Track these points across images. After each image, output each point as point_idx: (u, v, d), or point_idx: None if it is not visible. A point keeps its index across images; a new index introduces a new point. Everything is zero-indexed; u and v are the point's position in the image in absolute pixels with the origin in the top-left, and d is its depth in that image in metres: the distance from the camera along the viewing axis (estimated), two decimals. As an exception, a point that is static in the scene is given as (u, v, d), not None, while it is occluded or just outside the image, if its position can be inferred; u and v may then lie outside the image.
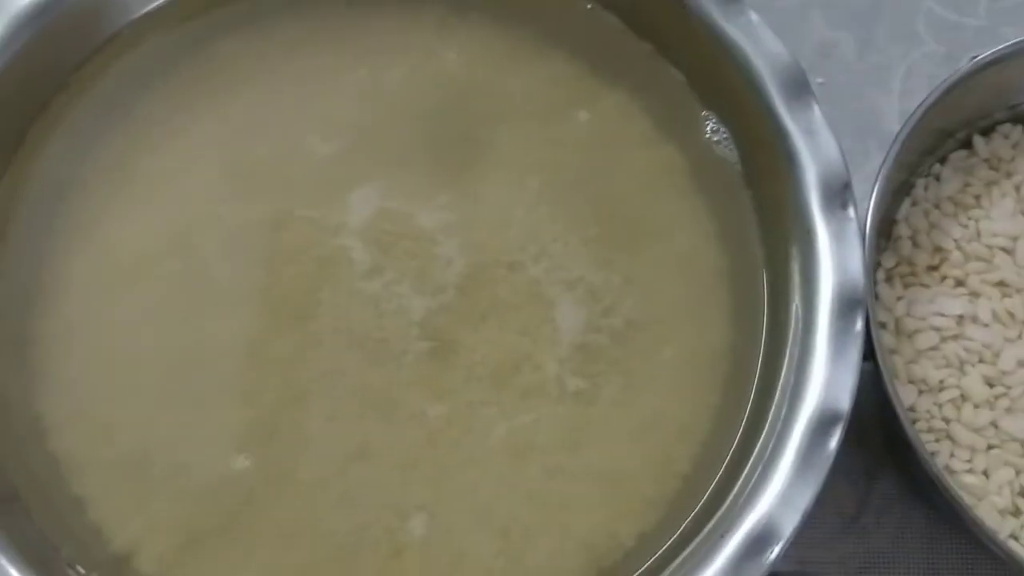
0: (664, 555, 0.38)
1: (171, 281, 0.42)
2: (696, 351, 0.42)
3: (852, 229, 0.39)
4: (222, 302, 0.42)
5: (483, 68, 0.45)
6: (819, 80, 0.55)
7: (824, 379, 0.38)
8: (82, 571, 0.38)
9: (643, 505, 0.40)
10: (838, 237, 0.39)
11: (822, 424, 0.37)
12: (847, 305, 0.38)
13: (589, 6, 0.46)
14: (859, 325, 0.38)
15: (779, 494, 0.36)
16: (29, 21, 0.42)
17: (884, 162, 0.43)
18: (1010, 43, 0.46)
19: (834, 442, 0.36)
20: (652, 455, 0.41)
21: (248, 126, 0.44)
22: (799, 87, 0.41)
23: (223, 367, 0.41)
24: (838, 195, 0.40)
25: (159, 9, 0.45)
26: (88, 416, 0.40)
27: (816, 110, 0.41)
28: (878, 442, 0.48)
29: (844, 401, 0.37)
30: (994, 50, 0.46)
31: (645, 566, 0.38)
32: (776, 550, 0.35)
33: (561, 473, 0.40)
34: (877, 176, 0.43)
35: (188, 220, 0.43)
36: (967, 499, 0.43)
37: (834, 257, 0.39)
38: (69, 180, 0.43)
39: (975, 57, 0.46)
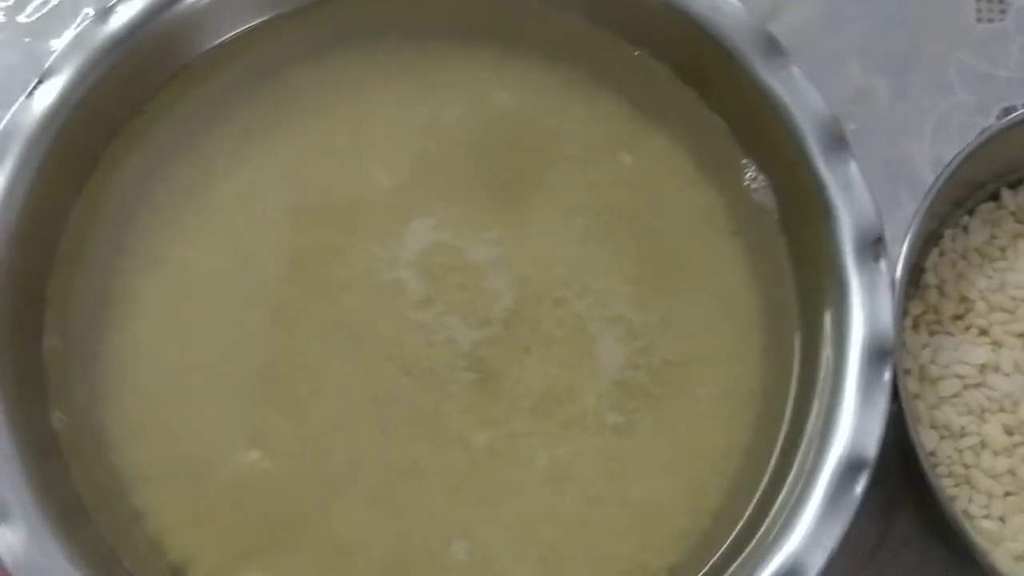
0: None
1: (236, 303, 0.44)
2: (729, 390, 0.44)
3: (884, 282, 0.41)
4: (283, 324, 0.44)
5: (535, 108, 0.47)
6: (852, 126, 0.57)
7: (852, 426, 0.39)
8: (141, 581, 0.40)
9: (675, 537, 0.42)
10: (870, 289, 0.41)
11: (849, 469, 0.39)
12: (876, 355, 0.40)
13: (636, 52, 0.47)
14: (887, 376, 0.40)
15: (806, 535, 0.38)
16: (107, 52, 0.44)
17: (917, 213, 0.45)
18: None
19: (860, 487, 0.38)
20: (685, 489, 0.43)
21: (313, 156, 0.46)
22: (837, 141, 0.43)
23: (281, 387, 0.43)
24: (871, 248, 0.42)
25: (229, 42, 0.47)
26: (150, 430, 0.42)
27: (852, 164, 0.43)
28: (899, 481, 0.50)
29: (871, 448, 0.39)
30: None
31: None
32: (802, 590, 0.37)
33: (598, 503, 0.42)
34: (910, 225, 0.45)
35: (253, 245, 0.45)
36: (983, 544, 0.45)
37: (865, 308, 0.41)
38: (141, 203, 0.45)
39: (1006, 108, 0.48)
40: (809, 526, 0.38)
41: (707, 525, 0.42)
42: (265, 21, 0.47)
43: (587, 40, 0.48)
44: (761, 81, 0.44)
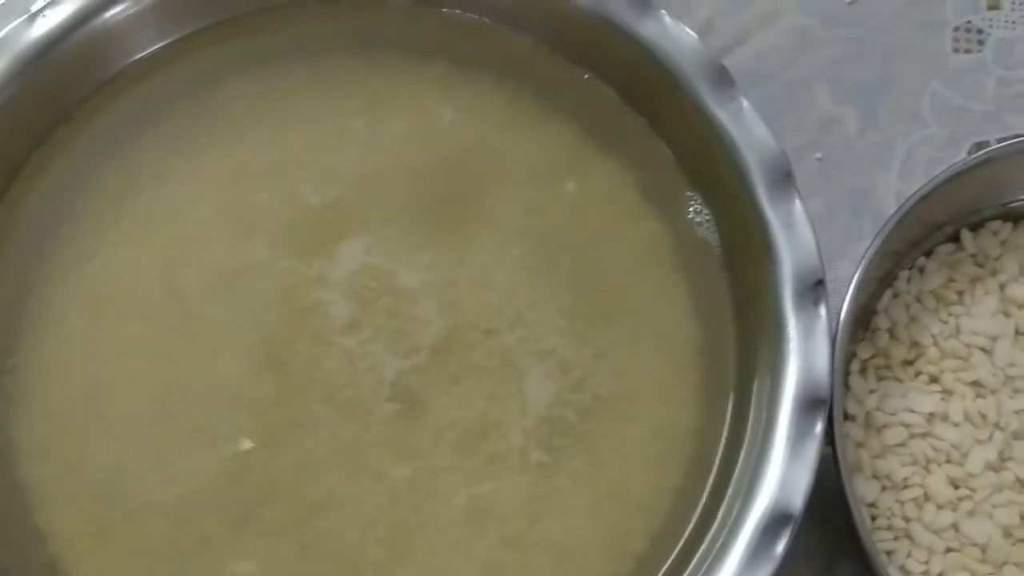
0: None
1: (156, 319, 0.43)
2: (662, 430, 0.43)
3: (822, 327, 0.40)
4: (204, 343, 0.43)
5: (479, 128, 0.46)
6: (817, 155, 0.55)
7: (779, 478, 0.38)
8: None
9: (595, 582, 0.40)
10: (807, 334, 0.40)
11: (773, 523, 0.37)
12: (809, 404, 0.39)
13: (586, 76, 0.46)
14: (819, 427, 0.38)
15: (722, 590, 0.37)
16: (35, 56, 0.42)
17: (866, 253, 0.43)
18: (1008, 143, 0.47)
19: (783, 544, 0.37)
20: (609, 531, 0.41)
21: (244, 170, 0.45)
22: (782, 178, 0.41)
23: (199, 408, 0.42)
24: (811, 291, 0.40)
25: (166, 49, 0.45)
26: (59, 449, 0.41)
27: (797, 203, 0.41)
28: (840, 525, 0.48)
29: (797, 503, 0.37)
30: (988, 150, 0.46)
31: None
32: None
33: (518, 544, 0.41)
34: (858, 265, 0.43)
35: (177, 260, 0.43)
36: (916, 602, 0.43)
37: (801, 354, 0.40)
38: (64, 211, 0.44)
39: (978, 143, 0.46)
40: (727, 580, 0.37)
41: (630, 569, 0.40)
42: (203, 29, 0.46)
43: (536, 61, 0.47)
44: (708, 112, 0.43)
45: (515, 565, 0.41)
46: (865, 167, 0.56)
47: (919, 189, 0.45)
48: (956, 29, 0.58)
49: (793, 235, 0.41)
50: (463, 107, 0.46)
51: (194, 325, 0.42)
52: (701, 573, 0.38)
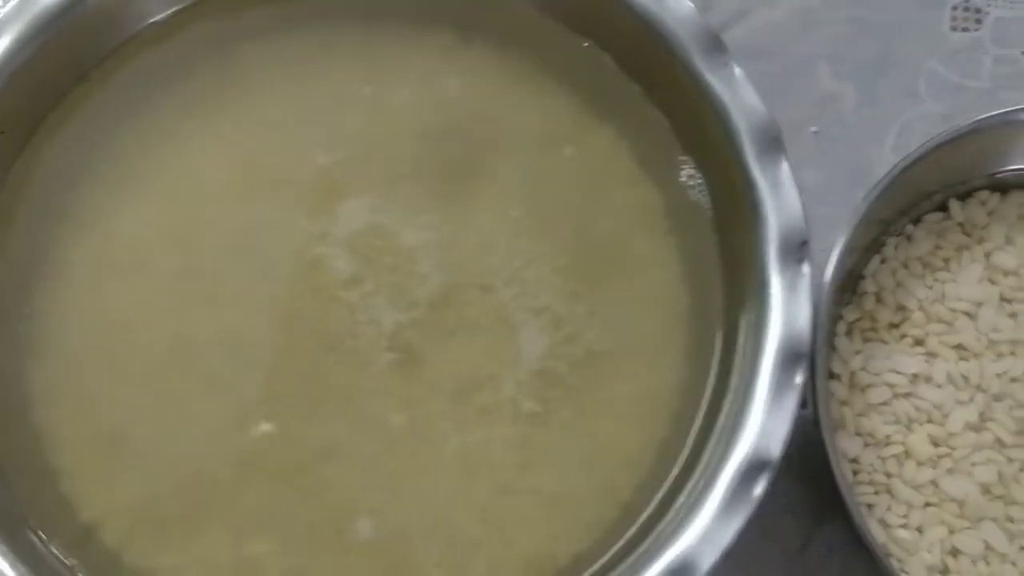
0: (594, 576, 0.40)
1: (168, 274, 0.45)
2: (650, 387, 0.44)
3: (805, 285, 0.41)
4: (214, 296, 0.44)
5: (483, 96, 0.48)
6: (813, 129, 0.57)
7: (759, 427, 0.40)
8: (44, 538, 0.40)
9: (583, 528, 0.42)
10: (791, 291, 0.41)
11: (751, 470, 0.39)
12: (790, 358, 0.40)
13: (586, 44, 0.48)
14: (799, 379, 0.40)
15: (702, 532, 0.38)
16: (54, 18, 0.44)
17: (853, 216, 0.45)
18: (996, 112, 0.48)
19: (760, 488, 0.38)
20: (597, 482, 0.43)
21: (255, 131, 0.47)
22: (771, 143, 0.43)
23: (208, 359, 0.44)
24: (796, 250, 0.42)
25: (180, 13, 0.47)
26: (73, 393, 0.43)
27: (785, 166, 0.42)
28: (829, 483, 0.50)
29: (775, 450, 0.39)
30: (976, 119, 0.47)
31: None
32: (691, 585, 0.37)
33: (510, 491, 0.42)
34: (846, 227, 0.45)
35: (190, 217, 0.45)
36: (898, 553, 0.45)
37: (784, 310, 0.41)
38: (80, 169, 0.45)
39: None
40: (705, 524, 0.39)
41: (615, 517, 0.42)
42: (218, -4, 0.47)
43: (537, 30, 0.48)
44: (700, 78, 0.44)
45: (507, 510, 0.42)
46: (861, 142, 0.57)
47: (906, 156, 0.46)
48: (955, 8, 0.60)
49: (780, 197, 0.42)
50: (467, 75, 0.48)
51: (205, 279, 0.44)
52: (681, 516, 0.39)
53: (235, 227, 0.45)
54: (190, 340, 0.43)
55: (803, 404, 0.40)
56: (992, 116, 0.48)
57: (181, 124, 0.46)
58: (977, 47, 0.59)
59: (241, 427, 0.42)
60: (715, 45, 0.44)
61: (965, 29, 0.59)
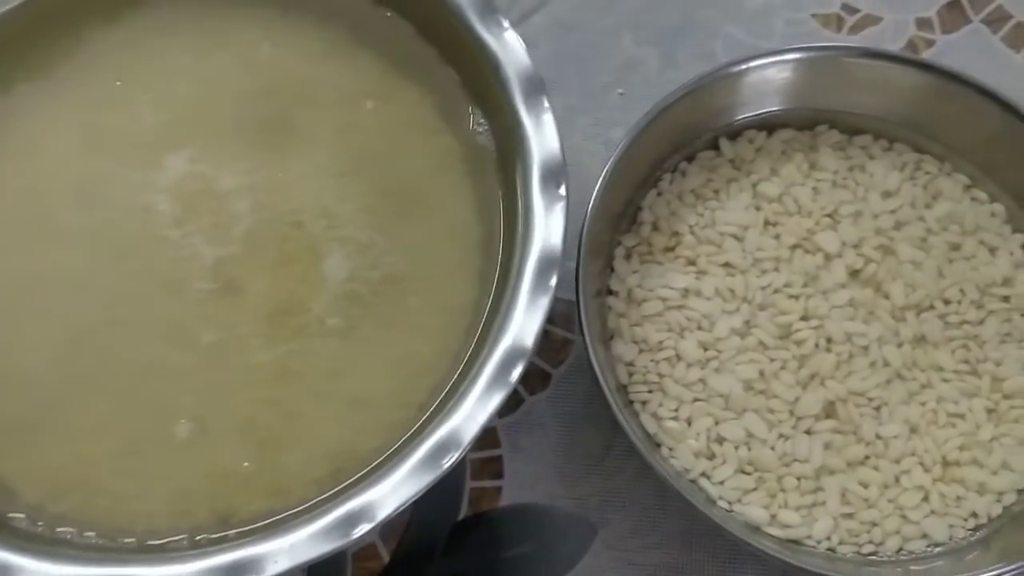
0: (381, 463, 0.47)
1: (14, 220, 0.51)
2: (446, 305, 0.50)
3: (560, 206, 0.48)
4: (55, 240, 0.51)
5: (297, 61, 0.54)
6: (620, 91, 0.64)
7: (519, 324, 0.46)
8: None
9: (383, 427, 0.49)
10: (549, 211, 0.48)
11: (509, 359, 0.45)
12: (545, 265, 0.47)
13: (388, 14, 0.55)
14: (552, 280, 0.46)
15: (467, 412, 0.45)
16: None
17: (615, 150, 0.51)
18: (759, 53, 0.55)
19: (517, 372, 0.45)
20: (398, 387, 0.49)
21: (94, 97, 0.53)
22: (536, 89, 0.50)
23: (56, 292, 0.50)
24: (553, 176, 0.48)
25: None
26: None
27: (547, 108, 0.49)
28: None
29: (528, 341, 0.45)
30: (737, 60, 0.54)
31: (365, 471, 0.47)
32: (454, 456, 0.44)
33: (319, 396, 0.49)
34: (606, 166, 0.51)
35: (35, 171, 0.52)
36: (667, 441, 0.51)
37: (543, 226, 0.48)
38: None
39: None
40: (471, 406, 0.45)
41: (412, 417, 0.48)
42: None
43: (349, 2, 0.55)
44: (479, 39, 0.51)
45: (316, 414, 0.48)
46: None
47: (665, 97, 0.53)
48: (753, -24, 0.67)
49: (541, 134, 0.49)
50: (282, 43, 0.54)
51: (47, 224, 0.51)
52: (453, 403, 0.45)
53: (74, 179, 0.51)
54: (34, 276, 0.50)
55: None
56: (756, 55, 0.54)
57: (28, 96, 0.53)
58: (770, 11, 0.66)
59: (76, 348, 0.48)
60: (491, 9, 0.51)
61: (762, -5, 0.66)
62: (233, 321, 0.49)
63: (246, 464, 0.47)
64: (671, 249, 0.55)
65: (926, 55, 0.65)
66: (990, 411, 0.52)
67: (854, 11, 0.66)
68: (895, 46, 0.66)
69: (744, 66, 0.54)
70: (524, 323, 0.46)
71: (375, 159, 0.53)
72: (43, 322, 0.49)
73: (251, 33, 0.54)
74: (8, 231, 0.50)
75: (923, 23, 0.66)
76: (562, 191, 0.48)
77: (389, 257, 0.51)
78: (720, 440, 0.51)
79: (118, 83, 0.53)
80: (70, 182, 0.51)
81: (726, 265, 0.54)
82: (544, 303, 0.46)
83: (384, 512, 0.43)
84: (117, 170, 0.51)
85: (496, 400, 0.45)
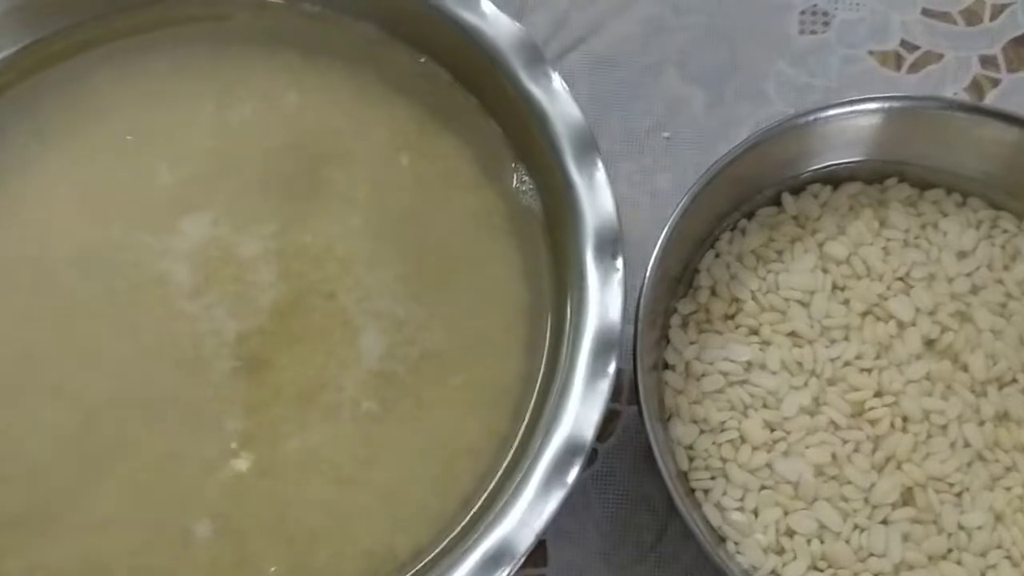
0: (424, 567, 0.42)
1: (20, 289, 0.46)
2: (491, 380, 0.46)
3: (618, 278, 0.43)
4: (61, 312, 0.46)
5: (325, 111, 0.50)
6: (665, 134, 0.59)
7: (575, 414, 0.42)
8: None
9: (423, 521, 0.44)
10: (605, 284, 0.44)
11: (566, 455, 0.41)
12: (602, 347, 0.42)
13: (423, 59, 0.50)
14: (612, 366, 0.42)
15: (519, 517, 0.40)
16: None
17: (675, 208, 0.47)
18: (825, 106, 0.50)
19: (574, 472, 0.40)
20: (439, 472, 0.45)
21: (103, 152, 0.49)
22: (588, 147, 0.45)
23: (60, 367, 0.46)
24: (609, 246, 0.44)
25: (31, 45, 0.49)
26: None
27: (600, 168, 0.45)
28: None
29: (588, 434, 0.41)
30: (802, 113, 0.50)
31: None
32: (506, 572, 0.39)
33: (351, 485, 0.44)
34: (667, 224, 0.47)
35: (39, 236, 0.47)
36: (733, 535, 0.47)
37: (599, 302, 0.43)
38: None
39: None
40: (524, 507, 0.40)
41: (455, 509, 0.44)
42: (69, 26, 0.49)
43: (377, 47, 0.50)
44: (523, 88, 0.47)
45: (347, 505, 0.44)
46: (710, 144, 0.59)
47: (729, 151, 0.48)
48: (803, 12, 0.62)
49: (595, 197, 0.45)
50: (309, 91, 0.50)
51: (53, 295, 0.46)
52: (504, 502, 0.41)
53: (82, 244, 0.47)
54: (38, 352, 0.45)
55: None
56: (820, 108, 0.50)
57: (31, 150, 0.48)
58: (824, 48, 0.62)
59: (86, 433, 0.44)
60: (534, 55, 0.47)
61: (813, 32, 0.61)
62: (261, 403, 0.45)
63: (273, 569, 0.42)
64: (731, 317, 0.50)
65: (991, 96, 0.60)
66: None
67: (913, 48, 0.62)
68: (958, 86, 0.61)
69: (816, 116, 0.50)
70: (581, 412, 0.42)
71: (411, 219, 0.48)
72: (49, 403, 0.45)
73: (275, 80, 0.50)
74: (8, 301, 0.46)
75: (987, 61, 0.62)
76: (619, 263, 0.44)
77: (428, 332, 0.46)
78: (790, 533, 0.47)
79: (129, 137, 0.48)
80: (76, 248, 0.47)
81: (792, 335, 0.50)
82: (604, 389, 0.42)
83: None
84: (129, 234, 0.47)
85: (553, 504, 0.40)
